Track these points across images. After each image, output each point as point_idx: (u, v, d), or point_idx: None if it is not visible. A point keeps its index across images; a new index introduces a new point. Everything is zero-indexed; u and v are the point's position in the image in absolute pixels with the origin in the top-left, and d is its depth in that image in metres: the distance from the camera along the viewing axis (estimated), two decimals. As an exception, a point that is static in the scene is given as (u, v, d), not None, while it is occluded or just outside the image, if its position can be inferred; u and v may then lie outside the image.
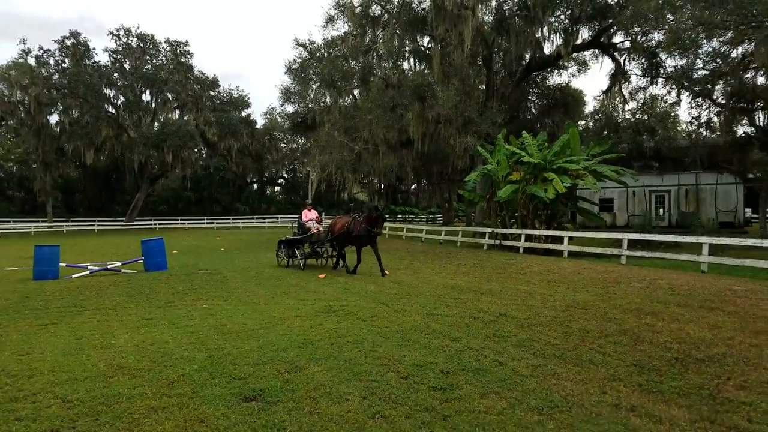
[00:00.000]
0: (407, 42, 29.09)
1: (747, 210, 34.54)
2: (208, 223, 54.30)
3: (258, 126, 59.65)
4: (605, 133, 27.07)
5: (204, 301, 10.71)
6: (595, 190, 19.44)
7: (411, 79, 26.98)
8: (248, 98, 58.20)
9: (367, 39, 29.14)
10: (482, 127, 25.24)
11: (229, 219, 56.13)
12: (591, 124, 33.26)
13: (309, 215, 16.80)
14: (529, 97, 36.30)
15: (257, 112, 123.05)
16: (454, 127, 25.29)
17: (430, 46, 29.51)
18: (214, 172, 59.95)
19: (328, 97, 30.65)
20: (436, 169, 35.89)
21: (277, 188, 73.30)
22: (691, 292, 10.20)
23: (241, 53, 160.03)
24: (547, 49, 28.34)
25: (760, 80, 25.10)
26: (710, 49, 22.70)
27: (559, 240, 19.08)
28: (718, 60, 22.76)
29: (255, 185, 69.65)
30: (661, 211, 34.70)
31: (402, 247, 24.23)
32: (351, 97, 32.04)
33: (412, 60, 30.51)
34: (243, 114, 57.24)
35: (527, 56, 29.32)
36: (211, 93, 55.20)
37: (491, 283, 12.47)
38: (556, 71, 33.97)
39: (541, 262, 15.96)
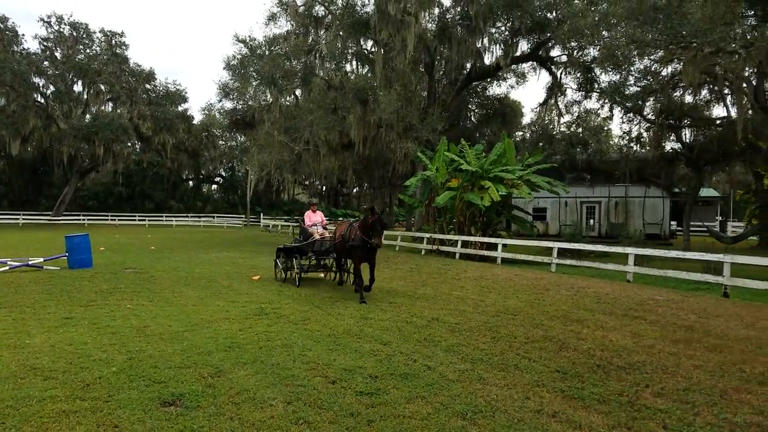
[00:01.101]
0: (350, 44, 29.03)
1: (672, 223, 36.66)
2: (139, 220, 52.05)
3: (195, 122, 57.82)
4: (541, 144, 28.05)
5: (128, 301, 10.17)
6: (528, 199, 20.04)
7: (353, 81, 26.93)
8: (185, 93, 56.35)
9: (310, 39, 28.86)
10: (423, 133, 25.52)
11: (162, 217, 54.01)
12: (528, 135, 34.38)
13: (313, 218, 13.30)
14: (470, 106, 37.10)
15: (195, 108, 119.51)
16: (395, 132, 25.44)
17: (373, 49, 29.58)
18: (148, 168, 57.46)
19: (269, 95, 30.09)
20: (378, 173, 36.02)
21: (214, 186, 71.16)
22: (616, 301, 10.64)
23: (180, 47, 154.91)
24: (488, 59, 29.08)
25: (688, 98, 26.83)
26: (642, 67, 24.04)
27: (493, 247, 19.52)
28: (649, 77, 24.10)
29: (191, 183, 67.32)
30: (591, 221, 36.23)
31: (340, 250, 24.07)
32: (292, 96, 31.57)
33: (354, 62, 30.49)
34: (180, 109, 55.30)
35: (468, 65, 29.93)
36: (147, 86, 53.02)
37: (426, 287, 12.55)
38: (496, 82, 34.91)
39: (475, 268, 16.24)
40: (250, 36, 32.61)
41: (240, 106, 35.21)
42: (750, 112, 21.68)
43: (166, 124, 50.80)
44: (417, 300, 10.71)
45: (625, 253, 15.05)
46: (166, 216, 54.32)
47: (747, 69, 19.10)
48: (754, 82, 20.44)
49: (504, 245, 19.21)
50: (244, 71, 29.00)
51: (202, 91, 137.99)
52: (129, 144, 50.70)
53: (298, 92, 31.56)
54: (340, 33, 27.76)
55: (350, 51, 29.32)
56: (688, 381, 5.69)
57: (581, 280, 14.04)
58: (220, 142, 61.81)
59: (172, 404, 4.84)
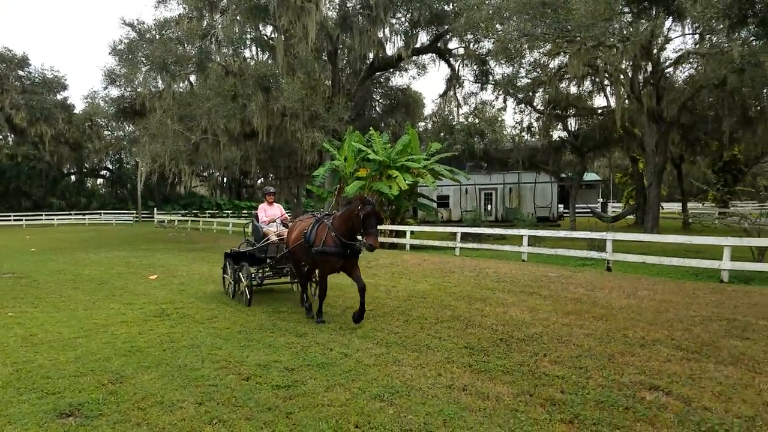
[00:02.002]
0: (249, 30, 28.03)
1: (560, 205, 39.53)
2: (15, 220, 47.18)
3: (77, 111, 53.14)
4: (442, 134, 28.90)
5: (9, 308, 9.22)
6: (433, 188, 20.68)
7: (254, 68, 26.07)
8: (65, 80, 51.74)
9: (205, 23, 27.45)
10: (329, 122, 25.36)
11: (42, 215, 49.32)
12: (430, 125, 35.31)
13: (270, 212, 10.00)
14: (374, 96, 37.40)
15: (76, 96, 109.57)
16: (300, 121, 25.03)
17: (273, 36, 28.82)
18: (23, 162, 51.97)
19: (160, 82, 28.28)
20: (284, 163, 35.27)
21: (100, 181, 65.82)
22: (514, 279, 11.34)
23: (58, 30, 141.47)
24: (390, 50, 29.42)
25: (573, 90, 28.87)
26: (532, 60, 25.48)
27: (402, 234, 20.00)
28: (539, 70, 25.61)
29: (73, 177, 61.79)
30: (489, 206, 38.16)
31: (246, 243, 23.43)
32: (186, 82, 29.93)
33: (254, 48, 29.50)
34: (59, 97, 50.68)
35: (371, 55, 30.08)
36: (20, 72, 48.03)
37: (338, 277, 12.53)
38: (398, 72, 35.44)
39: (386, 255, 16.52)
40: (138, 19, 30.39)
41: (128, 94, 32.74)
42: (627, 102, 23.79)
43: (43, 114, 46.40)
44: (329, 290, 10.63)
45: (520, 235, 16.02)
46: (46, 214, 49.69)
47: (624, 62, 20.92)
48: (630, 74, 22.44)
49: (412, 232, 19.71)
50: (132, 56, 26.92)
51: (84, 77, 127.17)
52: (0, 137, 45.71)
53: (193, 78, 29.99)
54: (238, 17, 26.70)
55: (249, 37, 28.31)
56: (580, 348, 6.22)
57: (482, 261, 14.77)
58: (106, 132, 57.16)
59: (71, 415, 4.51)
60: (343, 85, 30.28)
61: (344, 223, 7.38)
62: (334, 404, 4.64)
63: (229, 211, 54.25)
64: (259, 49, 29.72)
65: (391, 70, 33.92)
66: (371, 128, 23.53)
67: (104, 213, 53.14)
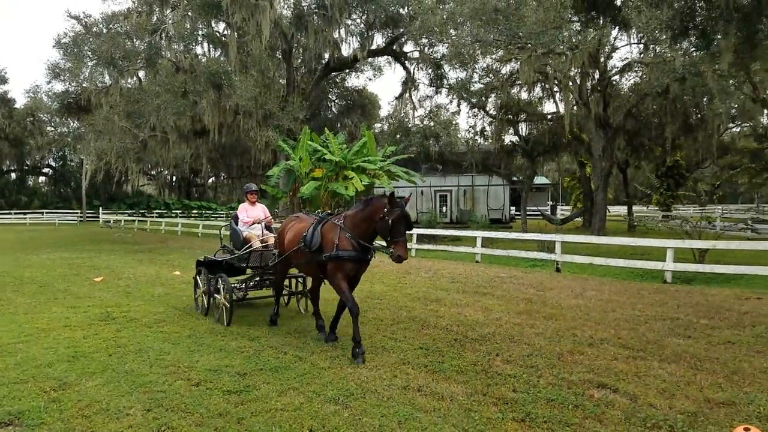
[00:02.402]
0: (201, 26, 27.36)
1: (512, 208, 40.44)
2: (-54, 219, 44.36)
3: (18, 105, 50.48)
4: (398, 136, 29.08)
5: (-64, 315, 8.63)
6: (389, 189, 20.75)
7: (205, 65, 25.45)
8: (5, 72, 49.03)
9: (155, 18, 26.63)
10: (284, 121, 25.05)
11: (-22, 215, 46.59)
12: (386, 127, 35.45)
13: (252, 213, 8.58)
14: (330, 96, 37.24)
15: (17, 90, 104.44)
16: (254, 120, 24.63)
17: (226, 32, 28.25)
18: (-43, 158, 49.02)
19: (107, 77, 27.21)
20: (237, 162, 34.65)
21: (42, 179, 62.67)
22: (468, 280, 11.50)
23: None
24: (346, 50, 29.37)
25: (524, 95, 29.60)
26: (485, 65, 25.97)
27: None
28: (491, 75, 26.12)
29: (13, 175, 58.62)
30: (444, 208, 38.63)
31: (198, 245, 22.84)
32: (135, 78, 28.92)
33: (206, 45, 28.82)
34: (-2, 91, 47.99)
35: (327, 55, 29.95)
36: (-47, 63, 45.16)
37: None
38: (354, 73, 35.42)
39: (339, 257, 16.40)
40: (84, 12, 29.19)
41: (73, 89, 31.30)
42: (575, 108, 24.60)
43: (-22, 108, 43.77)
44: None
45: (474, 237, 16.29)
46: (-18, 214, 46.97)
47: (573, 69, 21.62)
48: (578, 81, 23.21)
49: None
50: (77, 50, 25.78)
51: (26, 71, 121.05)
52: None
53: (141, 74, 29.01)
54: (189, 13, 26.02)
55: (201, 33, 27.62)
56: (531, 347, 6.35)
57: (437, 262, 14.92)
58: (49, 128, 54.52)
59: (10, 424, 4.29)
60: (298, 84, 30.00)
61: (362, 225, 6.11)
62: (288, 409, 4.56)
63: (178, 211, 52.71)
64: (211, 46, 29.05)
65: (347, 70, 33.88)
66: (326, 128, 23.40)
67: (46, 212, 50.58)
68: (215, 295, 8.09)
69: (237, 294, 8.44)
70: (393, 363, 5.80)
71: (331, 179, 20.37)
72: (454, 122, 30.92)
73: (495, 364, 5.73)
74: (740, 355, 5.93)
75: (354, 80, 36.84)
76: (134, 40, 26.42)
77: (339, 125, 35.19)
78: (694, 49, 14.47)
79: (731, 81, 19.37)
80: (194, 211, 52.83)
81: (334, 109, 37.72)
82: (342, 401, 4.72)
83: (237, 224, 8.55)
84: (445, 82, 29.03)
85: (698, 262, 12.44)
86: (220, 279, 8.02)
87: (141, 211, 50.83)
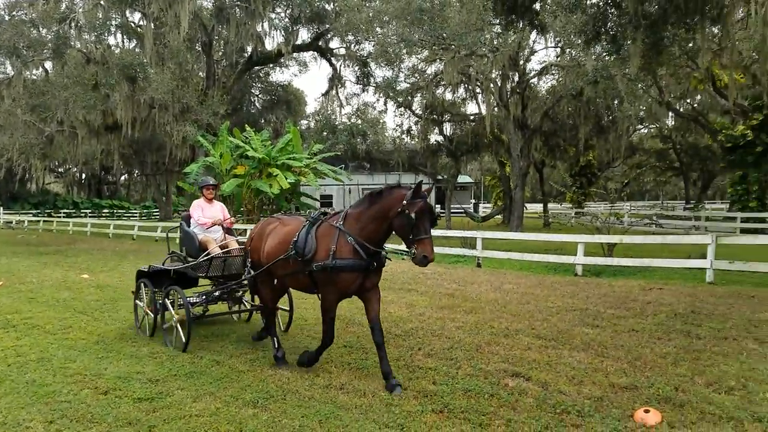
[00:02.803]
0: (114, 15, 25.84)
1: (437, 206, 41.27)
2: None
3: None
4: (325, 133, 28.86)
5: None
6: (315, 187, 20.58)
7: (119, 56, 24.07)
8: None
9: (63, 6, 24.88)
10: (203, 116, 24.16)
11: None
12: (312, 123, 35.11)
13: (210, 212, 7.29)
14: (253, 91, 36.36)
15: None
16: (170, 114, 23.57)
17: (141, 23, 26.86)
18: None
19: (10, 68, 25.16)
20: (152, 159, 33.01)
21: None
22: (394, 277, 11.63)
23: None
24: (270, 44, 28.81)
25: (448, 96, 30.28)
26: (411, 65, 26.31)
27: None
28: (417, 75, 26.50)
29: None
30: (371, 206, 38.77)
31: (108, 246, 21.59)
32: (41, 69, 26.92)
33: (120, 36, 27.29)
34: None
35: (250, 49, 29.20)
36: None
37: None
38: (279, 68, 34.79)
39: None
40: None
41: (-30, 79, 28.71)
42: (496, 109, 25.45)
43: None
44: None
45: (400, 234, 16.43)
46: None
47: (494, 71, 22.35)
48: (499, 83, 24.03)
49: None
50: (-24, 39, 23.69)
51: None
52: None
53: (48, 65, 27.02)
54: (101, 2, 24.49)
55: (114, 23, 26.09)
56: (451, 341, 6.50)
57: (363, 261, 14.94)
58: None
59: None
60: (219, 78, 29.05)
61: (371, 224, 4.97)
62: (203, 414, 4.39)
63: (88, 211, 49.55)
64: (125, 37, 27.54)
65: (272, 65, 33.20)
66: (249, 124, 22.84)
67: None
68: (166, 312, 6.64)
69: (195, 310, 6.87)
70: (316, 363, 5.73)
71: (254, 177, 19.91)
72: (381, 121, 31.16)
73: (417, 358, 5.81)
74: (642, 342, 6.35)
75: (279, 75, 36.40)
76: (40, 28, 24.59)
77: (263, 121, 34.47)
78: (605, 53, 15.36)
79: (640, 85, 20.77)
80: (105, 211, 49.93)
81: (257, 105, 36.88)
82: (261, 404, 4.60)
83: (189, 225, 7.15)
84: (372, 80, 29.16)
85: (607, 256, 13.23)
86: (173, 292, 6.65)
87: (47, 211, 47.36)
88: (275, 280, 5.98)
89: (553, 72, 26.42)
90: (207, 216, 7.10)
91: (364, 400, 4.64)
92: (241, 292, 7.27)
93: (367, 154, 30.57)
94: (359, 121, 30.57)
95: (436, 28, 18.62)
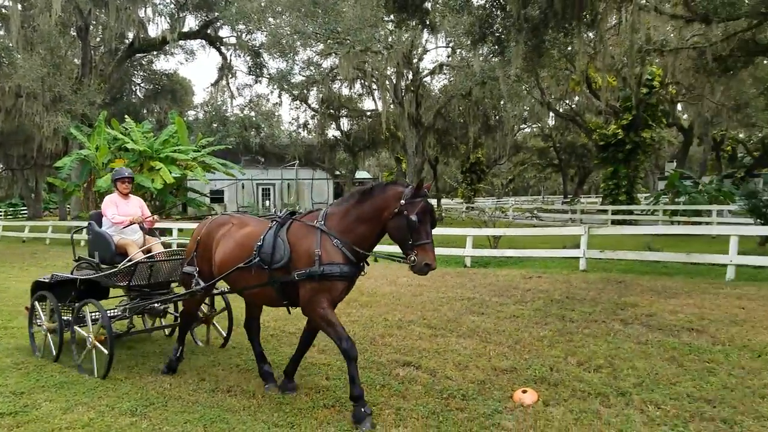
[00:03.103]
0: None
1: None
2: None
3: None
4: (215, 125, 27.70)
5: None
6: (204, 182, 19.71)
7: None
8: None
9: None
10: (77, 106, 22.14)
11: None
12: (201, 115, 33.54)
13: (126, 209, 6.17)
14: (135, 80, 34.03)
15: None
16: (40, 103, 21.36)
17: (7, 4, 24.09)
18: None
19: None
20: (18, 152, 29.78)
21: None
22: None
23: None
24: (153, 31, 27.03)
25: (345, 91, 30.26)
26: (306, 57, 25.96)
27: (168, 232, 18.57)
28: (312, 68, 26.20)
29: None
30: (267, 202, 37.95)
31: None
32: None
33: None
34: None
35: (131, 35, 27.21)
36: None
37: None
38: (164, 56, 32.79)
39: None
40: None
41: None
42: (392, 106, 25.90)
43: None
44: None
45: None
46: None
47: (389, 68, 22.71)
48: (394, 81, 24.46)
49: (180, 230, 18.44)
50: None
51: None
52: None
53: None
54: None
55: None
56: (346, 335, 6.51)
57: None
58: None
59: None
60: (97, 65, 26.76)
61: (360, 226, 4.32)
62: (74, 426, 4.06)
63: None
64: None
65: (156, 53, 31.16)
66: (126, 115, 21.31)
67: None
68: (76, 330, 5.51)
69: (117, 326, 5.87)
70: (201, 366, 5.50)
71: (135, 171, 18.67)
72: (276, 114, 30.52)
73: (311, 355, 5.73)
74: (522, 327, 6.78)
75: (164, 63, 34.43)
76: None
77: (145, 111, 32.38)
78: (491, 54, 16.11)
79: (524, 86, 22.08)
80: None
81: (139, 94, 34.52)
82: (140, 412, 4.31)
83: (101, 225, 6.07)
84: (265, 71, 28.34)
85: (493, 248, 13.98)
86: (90, 306, 5.49)
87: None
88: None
89: (445, 72, 27.38)
90: (123, 214, 5.99)
91: (253, 402, 4.52)
92: (162, 308, 6.09)
93: (261, 148, 29.79)
94: (252, 114, 29.69)
95: (330, 21, 18.54)
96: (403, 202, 4.06)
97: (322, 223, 4.37)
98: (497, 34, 13.18)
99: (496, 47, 13.67)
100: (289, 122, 32.19)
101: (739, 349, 5.55)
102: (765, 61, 19.38)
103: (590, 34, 15.26)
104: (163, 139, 19.67)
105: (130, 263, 5.57)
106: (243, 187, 36.94)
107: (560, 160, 45.46)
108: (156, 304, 5.75)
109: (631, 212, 23.34)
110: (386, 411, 4.25)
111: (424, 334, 6.47)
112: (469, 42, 14.98)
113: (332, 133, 32.88)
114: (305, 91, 28.12)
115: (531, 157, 49.00)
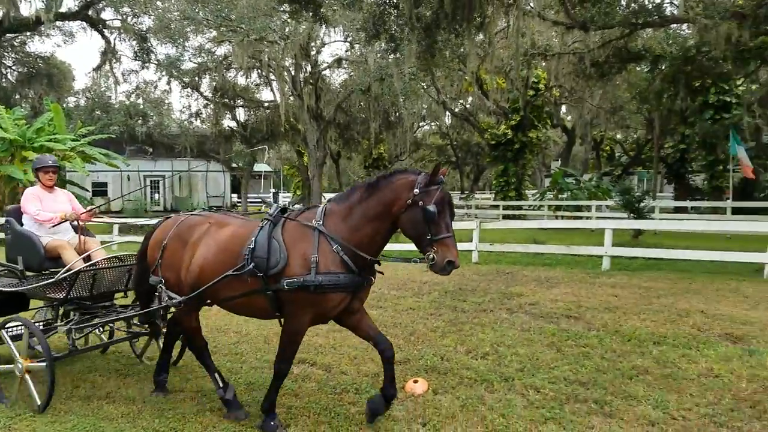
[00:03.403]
0: None
1: (233, 195, 39.76)
2: None
3: None
4: (97, 113, 25.61)
5: None
6: (84, 173, 18.24)
7: None
8: None
9: None
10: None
11: None
12: (82, 101, 30.89)
13: (52, 204, 5.11)
14: (5, 62, 30.67)
15: None
16: None
17: None
18: None
19: None
20: None
21: None
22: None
23: None
24: (26, 10, 24.40)
25: (241, 80, 29.21)
26: (197, 44, 24.72)
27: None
28: (204, 55, 25.02)
29: None
30: (156, 195, 35.78)
31: None
32: None
33: None
34: None
35: (0, 14, 24.41)
36: None
37: None
38: (39, 38, 29.77)
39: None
40: None
41: None
42: (291, 98, 25.41)
43: None
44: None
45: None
46: None
47: (287, 59, 22.22)
48: (292, 72, 24.00)
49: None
50: None
51: None
52: None
53: None
54: None
55: None
56: (238, 335, 6.33)
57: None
58: None
59: None
60: (-43, 43, 23.74)
61: (368, 224, 3.69)
62: None
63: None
64: None
65: (29, 33, 28.21)
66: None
67: None
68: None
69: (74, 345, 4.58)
70: (77, 372, 5.06)
71: (5, 161, 16.88)
72: (166, 102, 28.80)
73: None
74: (417, 319, 6.95)
75: (39, 45, 31.24)
76: None
77: (17, 96, 29.23)
78: (387, 51, 16.31)
79: (421, 84, 22.57)
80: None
81: (11, 78, 31.13)
82: (4, 425, 3.91)
83: (22, 224, 5.07)
84: (153, 56, 26.60)
85: (394, 243, 14.19)
86: (19, 325, 4.48)
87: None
88: (200, 306, 4.31)
89: (345, 66, 27.35)
90: (48, 210, 5.01)
91: (132, 408, 4.22)
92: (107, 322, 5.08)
93: (148, 137, 27.97)
94: (140, 101, 27.80)
95: (222, 8, 17.80)
96: (416, 191, 3.50)
97: (321, 222, 3.75)
98: (391, 32, 13.37)
99: (391, 45, 13.87)
100: (180, 111, 30.45)
101: (611, 334, 6.06)
102: (637, 68, 21.29)
103: (480, 37, 15.93)
104: (37, 127, 17.97)
105: (58, 277, 4.51)
106: (128, 178, 34.54)
107: (457, 157, 47.21)
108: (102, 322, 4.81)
109: (520, 207, 24.82)
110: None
111: (320, 331, 6.39)
112: (364, 38, 15.05)
113: (228, 123, 31.69)
114: (197, 79, 26.84)
115: (430, 154, 50.41)
